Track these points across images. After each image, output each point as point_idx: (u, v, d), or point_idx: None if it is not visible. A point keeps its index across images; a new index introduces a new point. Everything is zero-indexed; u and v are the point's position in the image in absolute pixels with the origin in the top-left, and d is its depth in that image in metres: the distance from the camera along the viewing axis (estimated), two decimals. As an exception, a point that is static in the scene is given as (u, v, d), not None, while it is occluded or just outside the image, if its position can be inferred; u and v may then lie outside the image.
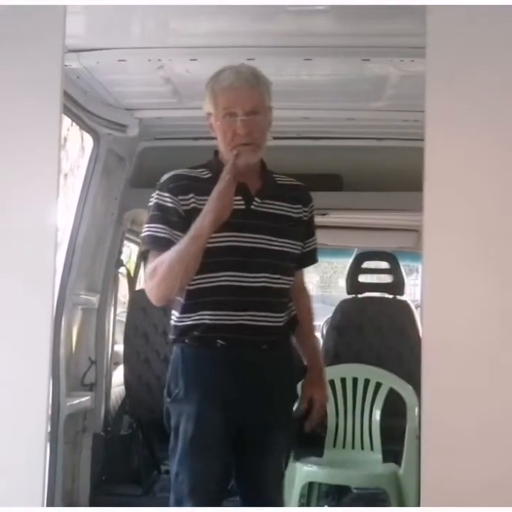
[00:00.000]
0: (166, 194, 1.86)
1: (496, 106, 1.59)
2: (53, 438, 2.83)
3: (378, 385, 3.12)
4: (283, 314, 1.92)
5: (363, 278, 3.78)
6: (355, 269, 3.74)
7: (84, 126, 2.92)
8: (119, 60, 2.34)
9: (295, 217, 1.95)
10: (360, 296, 3.72)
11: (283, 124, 3.15)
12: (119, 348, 3.59)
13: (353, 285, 3.73)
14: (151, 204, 1.89)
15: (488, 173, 1.60)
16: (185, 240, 1.78)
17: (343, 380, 3.16)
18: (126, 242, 3.72)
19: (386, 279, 3.79)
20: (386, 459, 3.07)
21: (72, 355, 3.16)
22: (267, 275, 1.87)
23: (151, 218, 1.88)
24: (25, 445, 1.61)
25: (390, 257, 3.77)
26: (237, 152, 1.81)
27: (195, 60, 2.32)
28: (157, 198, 1.87)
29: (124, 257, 3.64)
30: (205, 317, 1.85)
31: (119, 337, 3.62)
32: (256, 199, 1.90)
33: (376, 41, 2.15)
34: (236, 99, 1.82)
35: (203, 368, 1.86)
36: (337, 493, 3.29)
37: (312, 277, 12.78)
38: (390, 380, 3.11)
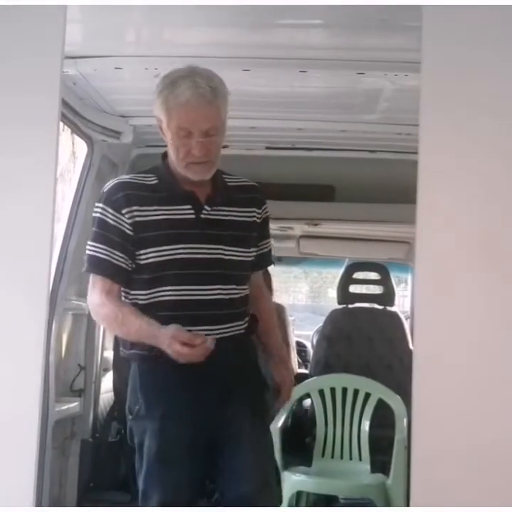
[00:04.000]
0: (108, 209, 1.80)
1: (490, 120, 1.61)
2: (41, 443, 2.79)
3: (367, 396, 3.14)
4: (241, 322, 1.86)
5: (353, 288, 3.80)
6: (346, 280, 3.76)
7: (78, 132, 2.92)
8: (116, 68, 2.35)
9: (248, 222, 1.89)
10: (350, 306, 3.74)
11: (277, 134, 3.18)
12: (109, 354, 3.59)
13: (344, 295, 3.75)
14: (94, 216, 1.83)
15: (481, 186, 1.62)
16: (143, 325, 1.75)
17: (333, 390, 3.17)
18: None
19: (376, 289, 3.82)
20: (374, 469, 3.08)
21: (61, 361, 3.15)
22: (221, 287, 1.81)
23: (93, 236, 1.83)
24: (15, 451, 1.61)
25: (381, 268, 3.79)
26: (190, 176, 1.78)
27: (192, 69, 2.32)
28: (100, 213, 1.81)
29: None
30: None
31: (109, 343, 3.62)
32: (205, 207, 1.83)
33: (371, 55, 2.18)
34: (192, 118, 1.74)
35: (160, 381, 1.80)
36: (325, 503, 3.29)
37: (301, 287, 12.78)
38: (379, 391, 3.13)
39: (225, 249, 1.82)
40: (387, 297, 3.74)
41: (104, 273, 1.81)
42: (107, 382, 3.56)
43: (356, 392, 3.16)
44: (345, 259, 4.45)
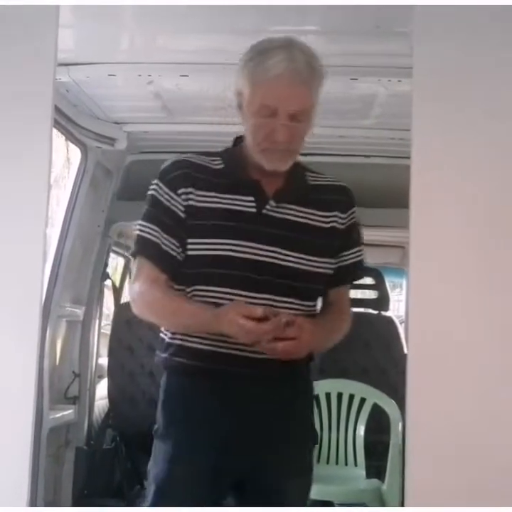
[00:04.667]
0: (164, 187, 1.59)
1: (482, 123, 1.62)
2: (36, 451, 2.79)
3: (363, 401, 3.14)
4: None
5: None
6: (341, 285, 3.76)
7: (72, 139, 2.92)
8: (109, 75, 2.35)
9: (325, 228, 1.62)
10: (345, 311, 3.74)
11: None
12: (104, 361, 3.58)
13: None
14: (148, 193, 1.63)
15: (475, 190, 1.62)
16: (197, 310, 1.53)
17: (328, 395, 3.18)
18: (112, 255, 3.71)
19: (371, 294, 3.82)
20: (369, 474, 3.08)
21: (55, 368, 3.14)
22: (271, 297, 1.55)
23: (145, 214, 1.62)
24: (9, 458, 1.60)
25: (376, 273, 3.80)
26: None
27: (186, 76, 2.33)
28: (154, 190, 1.61)
29: (109, 270, 3.63)
30: (196, 341, 1.57)
31: (104, 350, 3.61)
32: (271, 202, 1.58)
33: (364, 61, 2.18)
34: (282, 96, 1.49)
35: (186, 401, 1.56)
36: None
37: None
38: (375, 396, 3.13)
39: (284, 254, 1.56)
40: (382, 302, 3.74)
41: (153, 258, 1.59)
42: (102, 389, 3.55)
43: (351, 397, 3.16)
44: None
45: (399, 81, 2.20)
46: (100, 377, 3.60)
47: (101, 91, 2.57)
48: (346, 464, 3.14)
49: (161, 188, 1.60)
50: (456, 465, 1.55)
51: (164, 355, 1.63)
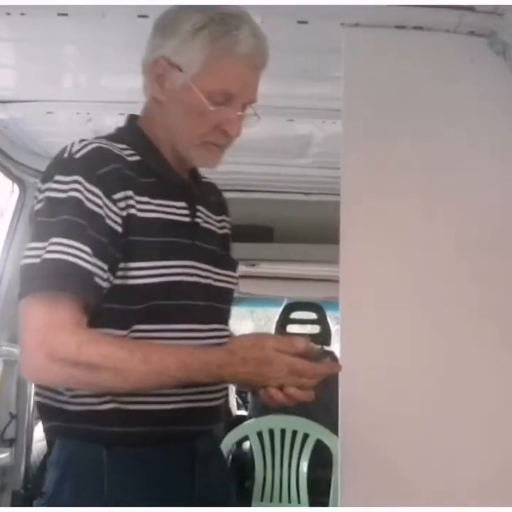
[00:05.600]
0: (91, 187, 1.13)
1: (409, 162, 1.69)
2: (-31, 497, 2.70)
3: (306, 436, 3.15)
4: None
5: (290, 328, 3.83)
6: (284, 320, 3.80)
7: (9, 176, 2.89)
8: (48, 112, 2.34)
9: (223, 234, 1.37)
10: (288, 346, 3.76)
11: (212, 177, 3.21)
12: (42, 401, 3.48)
13: (282, 335, 3.77)
14: (64, 195, 1.12)
15: (401, 225, 1.68)
16: (187, 352, 1.14)
17: (271, 432, 3.17)
18: (52, 292, 3.64)
19: (314, 329, 3.86)
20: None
21: (-9, 409, 3.05)
22: (217, 327, 1.28)
23: (63, 226, 1.11)
24: None
25: (317, 308, 3.85)
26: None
27: (124, 114, 2.34)
28: (77, 190, 1.13)
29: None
30: (127, 402, 1.17)
31: (42, 390, 3.52)
32: (199, 208, 1.28)
33: (299, 103, 2.24)
34: (245, 81, 1.21)
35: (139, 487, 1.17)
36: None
37: (246, 324, 12.78)
38: (317, 431, 3.14)
39: (216, 273, 1.29)
40: (324, 336, 3.79)
41: (79, 293, 1.11)
42: (40, 430, 3.45)
43: (294, 433, 3.16)
44: (285, 298, 4.49)
45: (333, 123, 2.27)
46: (38, 418, 3.50)
47: (39, 128, 2.55)
48: (289, 502, 3.12)
49: (87, 189, 1.13)
50: (389, 500, 1.57)
51: (76, 425, 1.18)
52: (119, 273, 1.17)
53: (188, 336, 1.22)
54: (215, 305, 1.29)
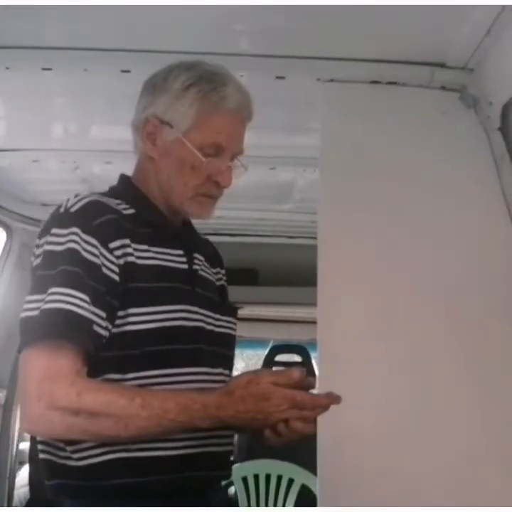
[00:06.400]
0: (88, 237, 1.17)
1: (381, 213, 1.74)
2: None
3: (291, 481, 3.12)
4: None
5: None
6: (269, 363, 3.80)
7: (-3, 221, 2.92)
8: (33, 161, 2.39)
9: (220, 285, 1.43)
10: (274, 389, 3.75)
11: (196, 222, 3.26)
12: (25, 445, 3.45)
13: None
14: (61, 248, 1.16)
15: (376, 267, 1.71)
16: (186, 397, 1.12)
17: (256, 477, 3.14)
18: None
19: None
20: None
21: (-27, 455, 3.01)
22: (224, 372, 1.30)
23: (62, 276, 1.14)
24: None
25: (302, 350, 3.86)
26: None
27: (110, 163, 2.39)
28: (74, 242, 1.16)
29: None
30: (134, 449, 1.15)
31: (26, 434, 3.49)
32: (196, 255, 1.33)
33: (282, 153, 2.30)
34: (233, 134, 1.27)
35: None
36: None
37: (237, 363, 12.74)
38: (302, 476, 3.12)
39: (216, 319, 1.31)
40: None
41: (79, 342, 1.12)
42: (23, 476, 3.41)
43: (280, 478, 3.14)
44: (271, 340, 4.50)
45: (314, 171, 2.32)
46: (21, 463, 3.46)
47: (26, 176, 2.59)
48: (275, 548, 3.08)
49: (83, 240, 1.17)
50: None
51: (80, 482, 1.15)
52: (119, 321, 1.18)
53: (195, 379, 1.22)
54: (219, 350, 1.30)
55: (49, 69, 1.75)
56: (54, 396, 1.10)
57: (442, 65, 1.76)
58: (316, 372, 3.93)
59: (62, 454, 1.18)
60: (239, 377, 1.15)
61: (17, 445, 3.34)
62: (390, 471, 1.58)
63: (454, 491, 1.57)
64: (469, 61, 1.72)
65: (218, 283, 1.42)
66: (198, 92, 1.25)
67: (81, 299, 1.13)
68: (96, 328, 1.15)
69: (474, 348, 1.64)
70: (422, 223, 1.72)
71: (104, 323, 1.16)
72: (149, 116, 1.29)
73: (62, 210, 1.22)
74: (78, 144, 2.35)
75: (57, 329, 1.12)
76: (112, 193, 1.32)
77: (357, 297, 1.69)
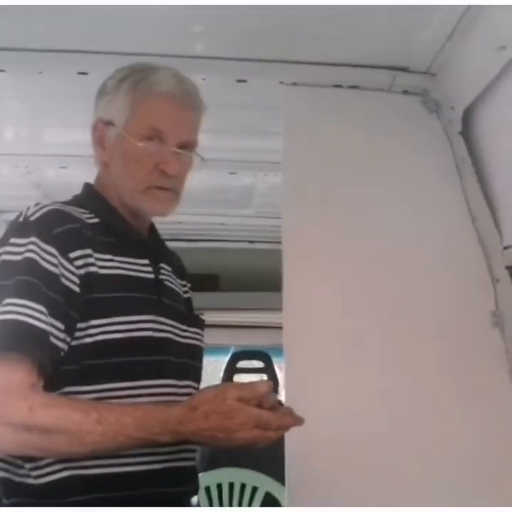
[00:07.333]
0: (47, 247, 1.13)
1: (344, 215, 1.73)
2: None
3: (254, 489, 3.08)
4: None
5: (238, 377, 3.79)
6: (230, 369, 3.76)
7: None
8: (-16, 166, 2.31)
9: (186, 298, 1.42)
10: (236, 395, 3.72)
11: (160, 227, 3.21)
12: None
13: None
14: (18, 257, 1.12)
15: (341, 272, 1.70)
16: (143, 411, 1.09)
17: (219, 486, 3.09)
18: None
19: (261, 378, 3.82)
20: None
21: None
22: (191, 384, 1.27)
23: (18, 287, 1.10)
24: None
25: (264, 356, 3.83)
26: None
27: (65, 167, 2.33)
28: (32, 251, 1.12)
29: None
30: (94, 466, 1.11)
31: None
32: (162, 265, 1.31)
33: (243, 156, 2.27)
34: (173, 119, 1.24)
35: None
36: None
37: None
38: (266, 484, 3.08)
39: (183, 330, 1.28)
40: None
41: (34, 355, 1.08)
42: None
43: (243, 486, 3.10)
44: (232, 347, 4.46)
45: (274, 175, 2.31)
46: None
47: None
48: (240, 558, 3.04)
49: (42, 249, 1.13)
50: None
51: (37, 500, 1.11)
52: (79, 333, 1.14)
53: (161, 392, 1.19)
54: (188, 362, 1.27)
55: (2, 71, 1.69)
56: (5, 411, 1.06)
57: (404, 69, 1.76)
58: (279, 378, 3.93)
59: (21, 471, 1.13)
60: (204, 392, 1.11)
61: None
62: (358, 478, 1.57)
63: (423, 497, 1.56)
64: (431, 65, 1.72)
65: (185, 295, 1.41)
66: (130, 83, 1.25)
67: (38, 311, 1.10)
68: (53, 340, 1.11)
69: (443, 349, 1.64)
70: (386, 225, 1.71)
71: (62, 335, 1.12)
72: (95, 122, 1.30)
73: (21, 219, 1.18)
74: (32, 148, 2.28)
75: (10, 341, 1.08)
76: (76, 201, 1.29)
77: (323, 299, 1.68)
